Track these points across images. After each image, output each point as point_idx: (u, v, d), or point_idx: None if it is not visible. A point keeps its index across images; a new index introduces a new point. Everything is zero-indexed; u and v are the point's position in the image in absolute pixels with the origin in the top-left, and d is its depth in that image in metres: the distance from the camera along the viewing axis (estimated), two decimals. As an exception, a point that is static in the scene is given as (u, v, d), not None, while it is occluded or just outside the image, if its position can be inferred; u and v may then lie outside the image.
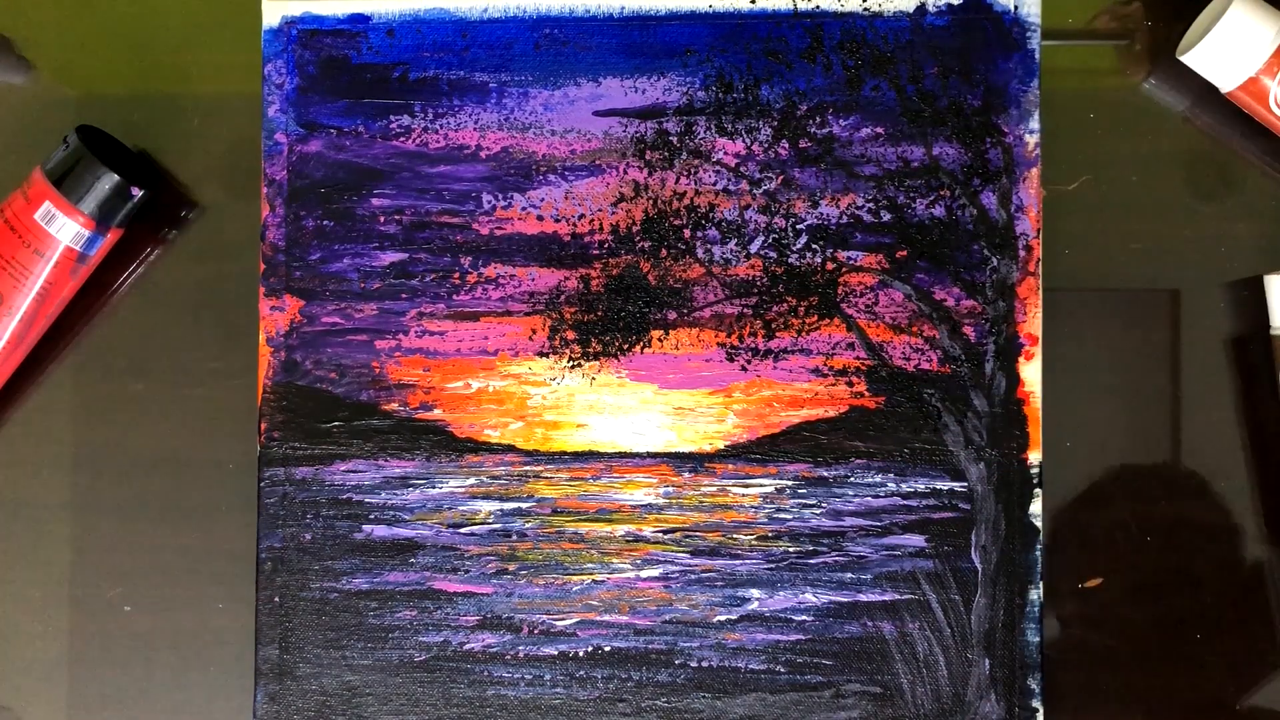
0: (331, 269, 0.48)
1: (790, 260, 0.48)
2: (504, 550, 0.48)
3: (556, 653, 0.47)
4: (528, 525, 0.48)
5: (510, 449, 0.48)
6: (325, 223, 0.48)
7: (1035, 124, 0.47)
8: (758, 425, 0.48)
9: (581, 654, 0.47)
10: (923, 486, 0.47)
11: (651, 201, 0.48)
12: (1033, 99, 0.47)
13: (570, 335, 0.48)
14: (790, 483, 0.47)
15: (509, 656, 0.47)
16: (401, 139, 0.48)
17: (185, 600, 0.50)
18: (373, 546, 0.48)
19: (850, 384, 0.47)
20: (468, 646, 0.47)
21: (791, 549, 0.47)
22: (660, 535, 0.48)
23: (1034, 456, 0.47)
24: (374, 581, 0.48)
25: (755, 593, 0.47)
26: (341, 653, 0.48)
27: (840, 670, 0.47)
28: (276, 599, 0.48)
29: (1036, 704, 0.46)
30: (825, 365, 0.47)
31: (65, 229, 0.48)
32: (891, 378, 0.47)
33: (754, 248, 0.48)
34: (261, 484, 0.48)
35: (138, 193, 0.48)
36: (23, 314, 0.49)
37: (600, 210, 0.48)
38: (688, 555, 0.47)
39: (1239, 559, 0.48)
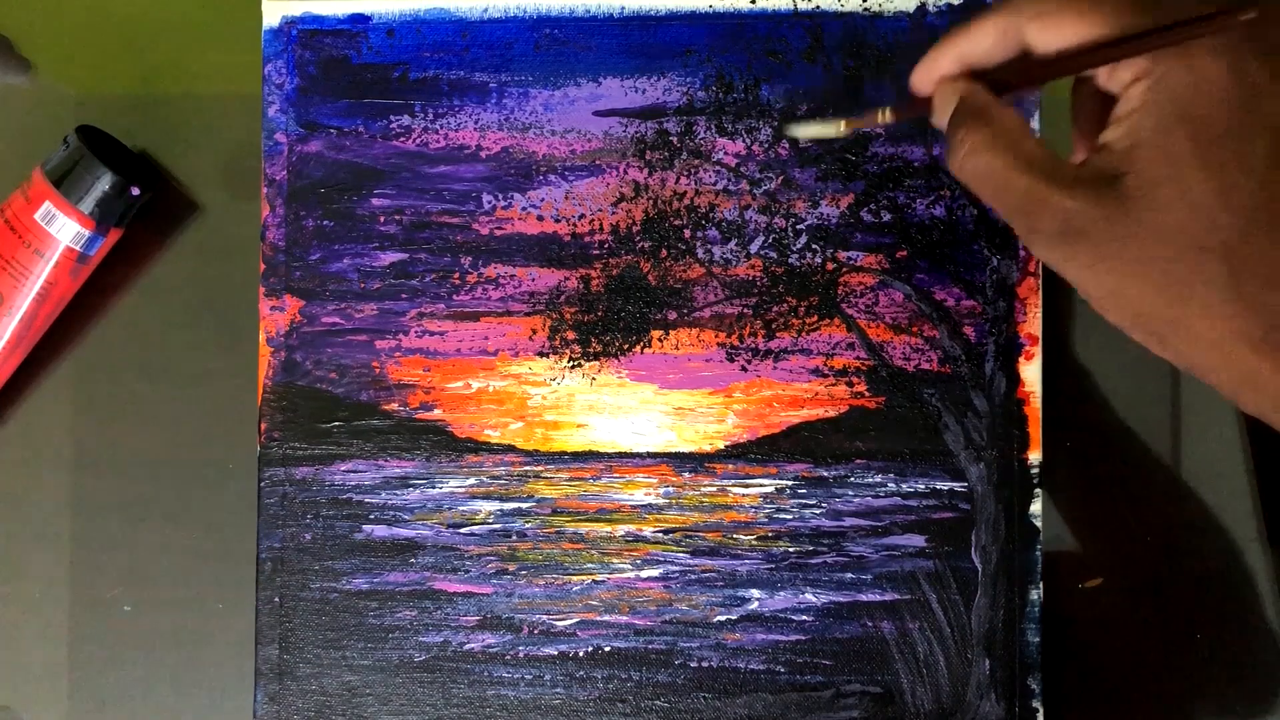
0: (331, 269, 0.48)
1: (790, 260, 0.48)
2: (504, 550, 0.48)
3: (556, 653, 0.47)
4: (528, 525, 0.48)
5: (510, 449, 0.48)
6: (325, 223, 0.48)
7: (1035, 124, 0.47)
8: (758, 425, 0.48)
9: (581, 654, 0.47)
10: (923, 487, 0.47)
11: (651, 201, 0.48)
12: (1033, 99, 0.47)
13: (570, 335, 0.48)
14: (790, 483, 0.47)
15: (509, 657, 0.47)
16: (401, 139, 0.48)
17: (185, 600, 0.50)
18: (373, 547, 0.48)
19: (850, 384, 0.47)
20: (468, 647, 0.47)
21: (791, 549, 0.47)
22: (660, 535, 0.48)
23: (1034, 456, 0.47)
24: (374, 582, 0.48)
25: (755, 593, 0.47)
26: (341, 653, 0.48)
27: (840, 670, 0.47)
28: (276, 599, 0.48)
29: (1036, 704, 0.46)
30: (825, 365, 0.47)
31: (65, 229, 0.48)
32: (891, 378, 0.47)
33: (754, 248, 0.48)
34: (261, 484, 0.48)
35: (138, 193, 0.48)
36: (23, 314, 0.49)
37: (600, 210, 0.48)
38: (688, 555, 0.47)
39: (1239, 559, 0.48)
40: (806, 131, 0.44)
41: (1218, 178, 0.29)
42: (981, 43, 0.34)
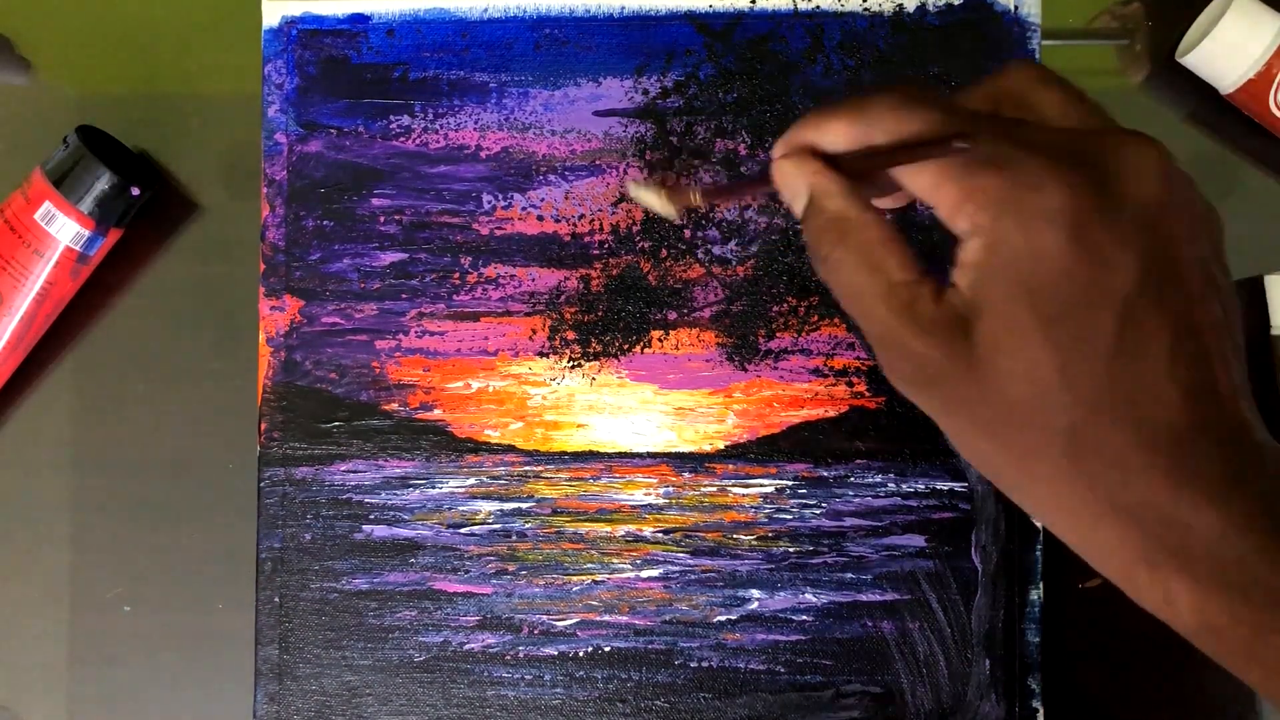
0: (331, 269, 0.48)
1: (790, 260, 0.48)
2: (504, 550, 0.48)
3: (556, 653, 0.47)
4: (528, 525, 0.48)
5: (510, 449, 0.48)
6: (325, 223, 0.48)
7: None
8: (758, 425, 0.48)
9: (581, 654, 0.47)
10: (923, 487, 0.47)
11: (651, 201, 0.48)
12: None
13: (570, 335, 0.48)
14: (790, 483, 0.47)
15: (509, 657, 0.47)
16: (401, 139, 0.48)
17: (185, 600, 0.50)
18: (373, 547, 0.48)
19: (850, 384, 0.47)
20: (468, 647, 0.47)
21: (792, 549, 0.47)
22: (660, 535, 0.47)
23: (1034, 456, 0.47)
24: (374, 582, 0.48)
25: (755, 593, 0.47)
26: (341, 653, 0.48)
27: (840, 670, 0.47)
28: (276, 599, 0.48)
29: (1036, 704, 0.46)
30: (825, 365, 0.47)
31: (65, 229, 0.48)
32: (891, 378, 0.47)
33: (754, 248, 0.48)
34: (261, 484, 0.48)
35: (137, 193, 0.48)
36: (23, 314, 0.49)
37: (600, 210, 0.48)
38: (688, 555, 0.47)
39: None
40: (639, 195, 0.36)
41: (1061, 355, 0.27)
42: (833, 138, 0.31)
